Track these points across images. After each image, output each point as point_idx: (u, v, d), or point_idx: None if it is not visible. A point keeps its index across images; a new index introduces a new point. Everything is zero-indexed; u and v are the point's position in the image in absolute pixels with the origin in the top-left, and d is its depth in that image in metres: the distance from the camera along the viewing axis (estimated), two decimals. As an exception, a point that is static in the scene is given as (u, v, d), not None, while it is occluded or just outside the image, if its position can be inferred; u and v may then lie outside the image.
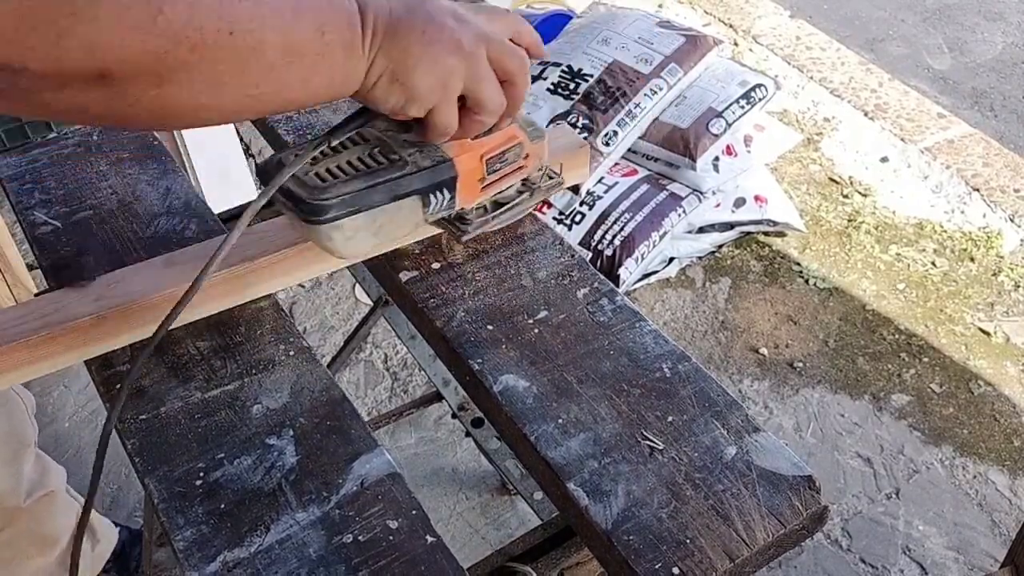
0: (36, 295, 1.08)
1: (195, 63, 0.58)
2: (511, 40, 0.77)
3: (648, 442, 0.78)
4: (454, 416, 1.59)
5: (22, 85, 0.55)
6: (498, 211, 0.92)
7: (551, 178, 0.96)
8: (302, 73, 0.65)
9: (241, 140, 2.57)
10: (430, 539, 0.71)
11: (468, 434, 1.55)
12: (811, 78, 3.09)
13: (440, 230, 0.93)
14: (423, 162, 0.81)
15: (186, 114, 0.63)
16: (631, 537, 0.70)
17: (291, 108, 0.69)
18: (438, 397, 1.66)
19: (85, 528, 0.73)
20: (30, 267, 2.16)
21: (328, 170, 0.79)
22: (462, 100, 0.75)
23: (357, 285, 2.39)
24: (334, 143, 0.79)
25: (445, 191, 0.84)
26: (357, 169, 0.79)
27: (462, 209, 0.88)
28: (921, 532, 1.91)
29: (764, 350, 2.29)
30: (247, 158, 2.55)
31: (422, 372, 2.16)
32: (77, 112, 0.60)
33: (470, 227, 0.89)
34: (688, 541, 0.70)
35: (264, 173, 0.78)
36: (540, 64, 2.59)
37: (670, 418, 0.80)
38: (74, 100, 0.57)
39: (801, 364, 2.26)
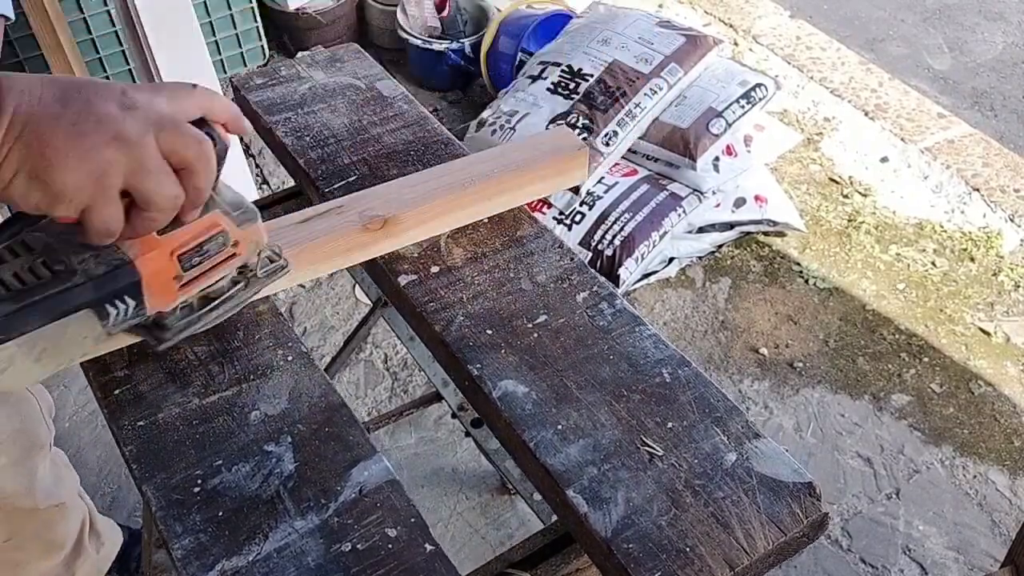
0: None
1: None
2: (204, 119, 0.70)
3: (648, 448, 0.78)
4: (454, 416, 1.59)
5: None
6: (205, 308, 0.81)
7: (272, 261, 0.85)
8: None
9: (241, 140, 2.56)
10: (429, 547, 0.71)
11: (468, 434, 1.55)
12: (811, 78, 3.08)
13: (136, 338, 0.81)
14: (95, 269, 0.70)
15: None
16: (631, 545, 0.70)
17: None
18: (438, 397, 1.66)
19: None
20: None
21: None
22: (130, 196, 0.65)
23: (357, 285, 2.39)
24: None
25: (127, 299, 0.73)
26: (10, 288, 0.67)
27: (159, 313, 0.77)
28: (921, 532, 1.91)
29: (764, 350, 2.29)
30: (247, 158, 2.54)
31: (422, 372, 2.15)
32: None
33: (168, 333, 0.78)
34: (688, 549, 0.70)
35: None
36: (540, 64, 2.59)
37: (670, 424, 0.80)
38: None
39: (801, 364, 2.25)
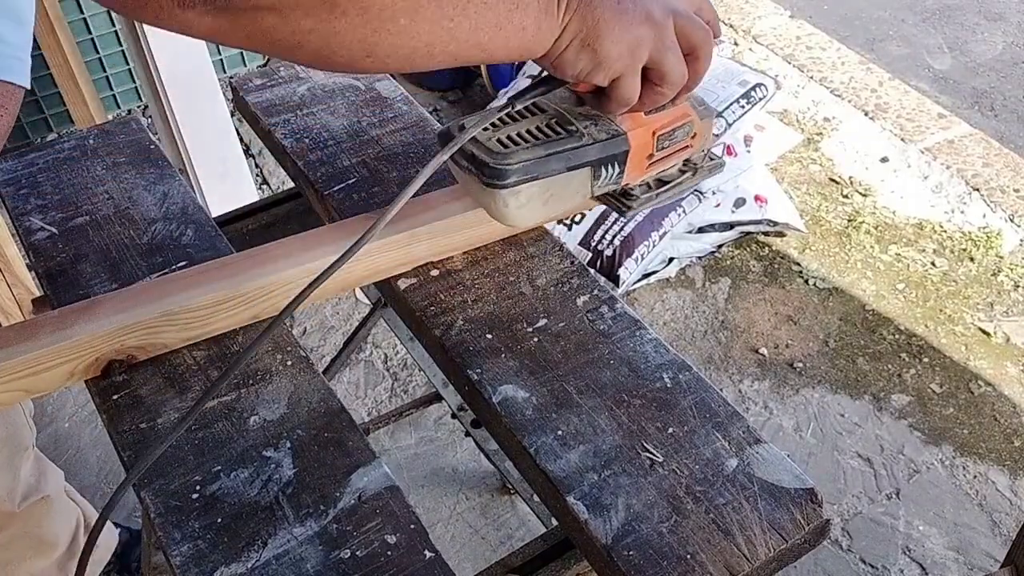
0: (34, 300, 1.07)
1: None
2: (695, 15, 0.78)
3: (648, 454, 0.77)
4: (454, 416, 1.59)
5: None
6: (662, 188, 0.90)
7: (712, 159, 0.94)
8: (496, 17, 0.67)
9: (241, 140, 2.55)
10: (429, 554, 0.71)
11: (468, 434, 1.55)
12: (811, 78, 3.08)
13: (603, 205, 0.92)
14: (598, 135, 0.81)
15: (383, 43, 0.65)
16: (631, 552, 0.70)
17: (479, 58, 0.70)
18: (438, 397, 1.66)
19: (92, 546, 0.72)
20: (30, 267, 2.15)
21: (509, 137, 0.80)
22: (645, 72, 0.75)
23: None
24: (514, 109, 0.81)
25: (616, 165, 0.84)
26: (536, 138, 0.80)
27: (627, 185, 0.87)
28: (921, 532, 1.91)
29: (764, 350, 2.28)
30: (247, 158, 2.54)
31: (422, 372, 2.15)
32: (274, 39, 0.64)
33: (635, 203, 0.88)
34: (689, 556, 0.70)
35: (445, 135, 0.80)
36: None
37: (671, 429, 0.80)
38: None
39: (801, 364, 2.25)
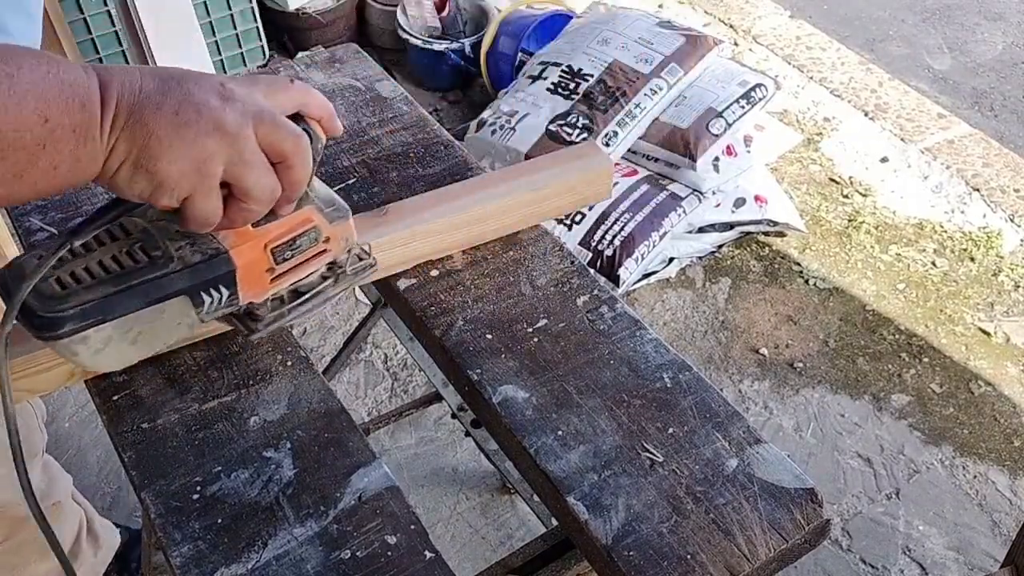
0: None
1: None
2: (299, 114, 0.70)
3: (648, 454, 0.77)
4: (454, 416, 1.59)
5: None
6: (295, 302, 0.80)
7: (361, 259, 0.85)
8: (17, 166, 0.57)
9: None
10: (429, 555, 0.71)
11: (468, 434, 1.55)
12: (811, 78, 3.08)
13: (228, 326, 0.82)
14: (192, 257, 0.71)
15: None
16: (631, 552, 0.70)
17: (16, 200, 0.61)
18: (438, 397, 1.66)
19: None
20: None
21: (73, 273, 0.68)
22: (228, 187, 0.66)
23: (356, 286, 2.38)
24: (79, 243, 0.68)
25: (221, 288, 0.73)
26: (109, 270, 0.69)
27: (251, 304, 0.77)
28: (921, 532, 1.91)
29: (764, 350, 2.28)
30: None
31: (422, 372, 2.15)
32: None
33: (260, 324, 0.78)
34: (689, 556, 0.70)
35: (4, 286, 0.66)
36: (540, 64, 2.58)
37: (671, 430, 0.80)
38: None
39: (801, 364, 2.25)
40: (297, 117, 0.69)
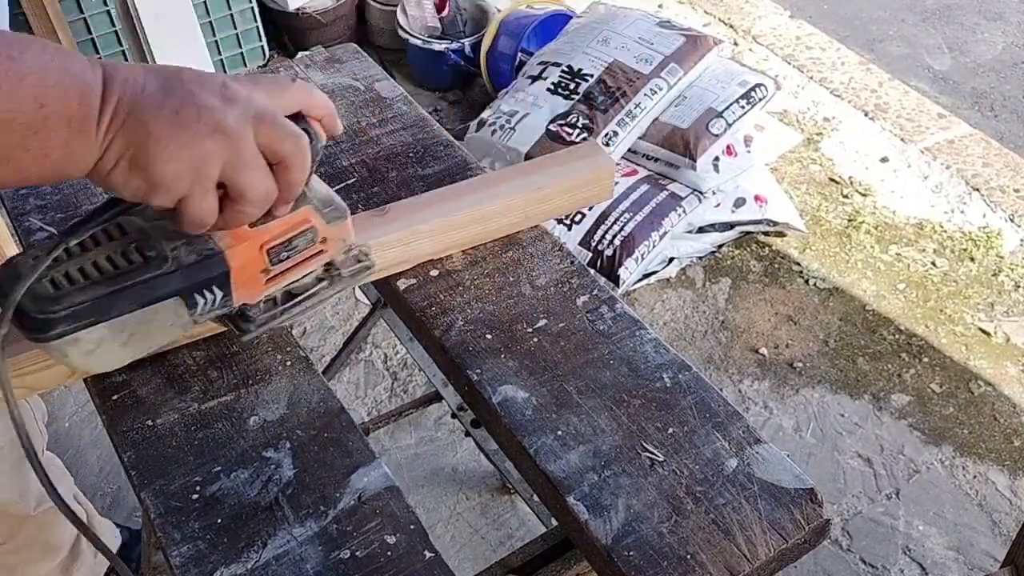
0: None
1: None
2: (301, 114, 0.69)
3: (648, 454, 0.77)
4: (454, 416, 1.59)
5: None
6: (289, 304, 0.80)
7: (359, 261, 0.84)
8: (5, 148, 0.57)
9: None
10: (428, 554, 0.71)
11: (468, 434, 1.55)
12: (811, 78, 3.08)
13: (222, 327, 0.81)
14: (186, 258, 0.70)
15: None
16: (631, 553, 0.70)
17: (1, 185, 0.61)
18: (438, 397, 1.66)
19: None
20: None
21: (67, 274, 0.67)
22: (225, 188, 0.65)
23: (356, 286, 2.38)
24: (74, 242, 0.68)
25: (215, 289, 0.72)
26: (103, 271, 0.68)
27: (244, 305, 0.76)
28: (921, 532, 1.91)
29: (764, 350, 2.28)
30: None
31: (422, 372, 2.15)
32: None
33: (252, 325, 0.77)
34: (689, 556, 0.70)
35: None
36: (540, 64, 2.58)
37: (671, 429, 0.80)
38: None
39: (801, 364, 2.25)
40: (298, 116, 0.69)
